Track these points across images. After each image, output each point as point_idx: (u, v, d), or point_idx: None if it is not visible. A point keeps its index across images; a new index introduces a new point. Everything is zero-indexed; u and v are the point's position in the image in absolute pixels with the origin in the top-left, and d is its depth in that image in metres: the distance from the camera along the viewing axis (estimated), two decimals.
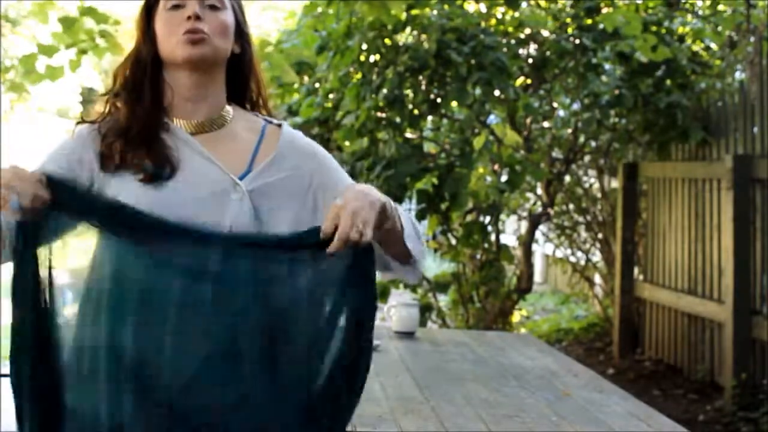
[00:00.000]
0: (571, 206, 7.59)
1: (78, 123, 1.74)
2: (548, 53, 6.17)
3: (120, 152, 1.66)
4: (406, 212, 1.71)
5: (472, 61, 5.60)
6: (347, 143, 5.96)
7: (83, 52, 5.32)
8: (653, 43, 5.69)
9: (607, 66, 6.24)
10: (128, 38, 1.78)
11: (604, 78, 6.22)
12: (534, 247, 7.21)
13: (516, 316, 7.28)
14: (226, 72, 1.76)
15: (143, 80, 1.71)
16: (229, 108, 1.77)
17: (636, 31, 5.55)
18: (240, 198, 1.66)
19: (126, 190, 1.62)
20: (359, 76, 5.88)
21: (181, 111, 1.72)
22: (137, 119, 1.68)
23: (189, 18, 1.69)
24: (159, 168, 1.65)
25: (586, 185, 7.59)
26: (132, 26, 1.76)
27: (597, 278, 7.81)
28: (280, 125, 1.79)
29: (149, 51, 1.72)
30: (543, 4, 6.37)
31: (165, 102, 1.72)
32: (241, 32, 1.77)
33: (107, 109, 1.73)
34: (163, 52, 1.71)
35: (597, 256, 7.63)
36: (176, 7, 1.71)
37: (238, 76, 1.79)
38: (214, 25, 1.70)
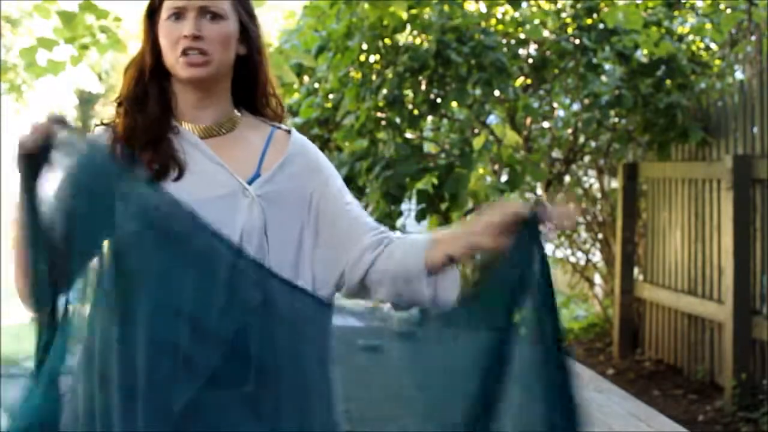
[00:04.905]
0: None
1: (96, 125, 1.76)
2: (548, 53, 6.16)
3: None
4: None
5: (472, 62, 5.59)
6: (347, 143, 5.95)
7: (84, 47, 5.30)
8: (656, 39, 5.68)
9: (607, 66, 6.24)
10: (131, 37, 1.78)
11: (604, 78, 6.21)
12: None
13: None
14: (233, 71, 1.75)
15: (147, 90, 1.71)
16: (237, 112, 1.77)
17: (637, 25, 5.54)
18: (250, 202, 1.66)
19: None
20: (359, 76, 5.88)
21: (189, 116, 1.73)
22: (140, 127, 1.69)
23: (187, 36, 1.67)
24: (165, 168, 1.65)
25: (586, 185, 7.59)
26: (137, 27, 1.76)
27: (597, 278, 7.80)
28: (289, 131, 1.79)
29: (153, 59, 1.71)
30: (543, 4, 6.36)
31: (173, 106, 1.73)
32: (246, 34, 1.74)
33: (118, 113, 1.74)
34: (167, 63, 1.71)
35: (597, 257, 7.62)
36: (177, 16, 1.68)
37: (245, 77, 1.77)
38: (214, 40, 1.68)
